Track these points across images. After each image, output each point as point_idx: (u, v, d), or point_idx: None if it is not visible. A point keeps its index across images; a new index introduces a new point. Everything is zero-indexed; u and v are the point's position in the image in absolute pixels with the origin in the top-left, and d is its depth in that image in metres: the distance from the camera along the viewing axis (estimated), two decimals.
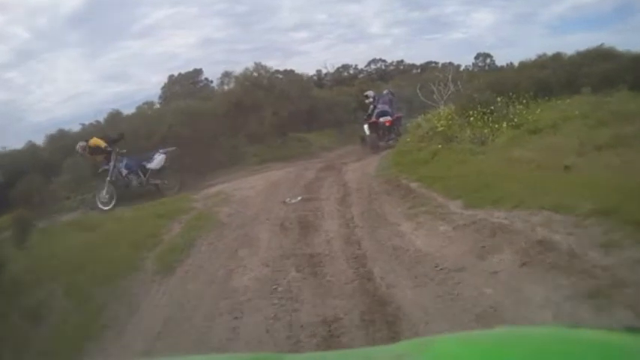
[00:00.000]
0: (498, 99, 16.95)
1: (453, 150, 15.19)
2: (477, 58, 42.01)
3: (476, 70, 38.31)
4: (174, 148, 19.26)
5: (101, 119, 25.63)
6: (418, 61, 43.34)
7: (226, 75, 29.40)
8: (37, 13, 49.04)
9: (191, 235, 11.44)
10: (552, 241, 7.46)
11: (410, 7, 58.15)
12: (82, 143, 18.41)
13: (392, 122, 23.00)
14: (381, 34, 51.09)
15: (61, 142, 22.68)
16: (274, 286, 7.98)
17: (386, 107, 23.34)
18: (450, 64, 31.30)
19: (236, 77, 27.97)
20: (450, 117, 17.51)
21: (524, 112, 16.32)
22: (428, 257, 8.06)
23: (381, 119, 22.90)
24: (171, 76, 36.94)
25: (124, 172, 18.18)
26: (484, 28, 49.93)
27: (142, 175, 18.49)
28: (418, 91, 24.63)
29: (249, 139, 24.97)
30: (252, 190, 16.28)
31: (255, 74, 27.29)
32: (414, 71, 41.53)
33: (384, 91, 24.95)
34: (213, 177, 21.00)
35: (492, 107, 16.51)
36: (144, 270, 9.49)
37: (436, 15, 50.99)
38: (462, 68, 32.93)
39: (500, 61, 38.68)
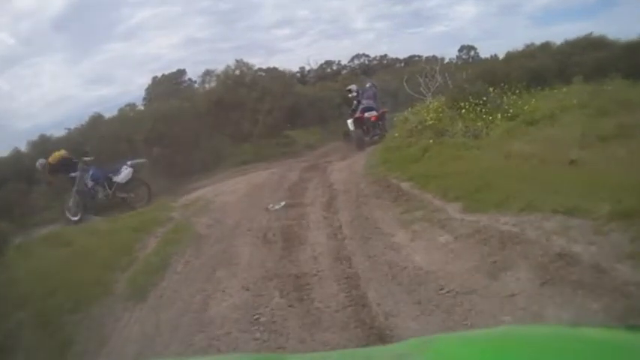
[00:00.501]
0: (490, 89, 16.00)
1: (445, 145, 13.95)
2: (460, 50, 41.18)
3: (460, 62, 37.37)
4: (143, 160, 18.35)
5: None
6: (401, 55, 42.54)
7: (208, 73, 28.70)
8: (21, 18, 47.64)
9: (167, 251, 10.24)
10: (573, 252, 6.37)
11: (393, 1, 57.19)
12: (41, 160, 17.56)
13: (378, 117, 22.05)
14: (364, 29, 50.14)
15: (43, 148, 21.59)
16: (256, 316, 6.90)
17: (371, 102, 22.38)
18: (434, 57, 30.23)
19: (217, 75, 27.21)
20: (439, 110, 16.38)
21: (519, 102, 15.38)
22: (430, 277, 6.94)
23: (367, 114, 21.88)
24: (154, 78, 36.00)
25: (90, 183, 17.15)
26: (467, 21, 49.18)
27: (108, 188, 17.40)
28: (404, 83, 23.47)
29: (232, 139, 24.16)
30: (233, 195, 15.23)
31: (237, 72, 26.54)
32: (398, 65, 40.53)
33: (367, 84, 23.95)
34: (195, 180, 20.19)
35: (485, 98, 15.51)
36: (116, 294, 8.39)
37: (419, 8, 50.12)
38: (445, 61, 31.85)
39: (484, 53, 37.81)
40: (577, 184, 8.42)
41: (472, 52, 41.16)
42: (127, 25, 51.32)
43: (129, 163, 17.53)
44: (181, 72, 36.72)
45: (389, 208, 10.66)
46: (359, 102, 22.59)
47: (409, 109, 19.58)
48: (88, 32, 47.91)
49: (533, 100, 15.35)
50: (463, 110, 15.23)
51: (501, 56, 25.93)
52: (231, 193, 15.57)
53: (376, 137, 21.44)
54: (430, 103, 18.40)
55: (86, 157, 17.31)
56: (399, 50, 60.43)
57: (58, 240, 12.14)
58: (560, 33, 49.97)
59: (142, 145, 21.43)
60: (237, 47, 55.17)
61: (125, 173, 17.30)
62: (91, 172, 17.09)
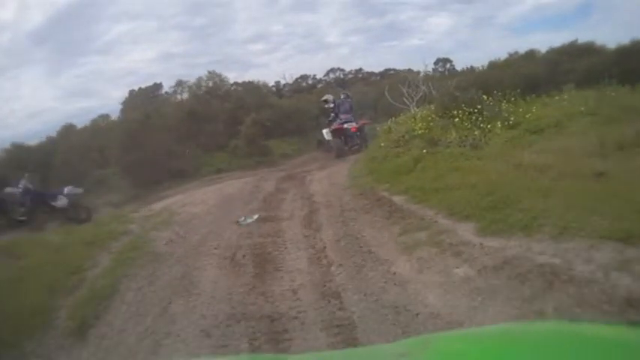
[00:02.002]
0: (484, 97, 14.18)
1: (440, 155, 11.83)
2: (436, 63, 39.50)
3: (437, 75, 35.78)
4: (79, 190, 17.09)
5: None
6: (377, 69, 41.09)
7: (180, 84, 26.69)
8: (1, 30, 46.19)
9: (118, 273, 8.30)
10: None
11: (367, 15, 55.71)
12: None
13: (357, 129, 20.80)
14: (339, 43, 48.31)
15: (16, 155, 22.07)
16: None
17: (349, 117, 21.16)
18: (410, 70, 28.87)
19: (189, 86, 25.59)
20: (429, 118, 14.45)
21: (520, 110, 13.60)
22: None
23: (346, 125, 20.66)
24: (132, 91, 34.28)
25: (29, 204, 15.92)
26: (442, 33, 47.41)
27: (47, 210, 16.31)
28: (386, 92, 21.95)
29: (206, 148, 22.82)
30: (202, 206, 13.26)
31: (210, 83, 25.13)
32: (373, 78, 38.96)
33: (342, 96, 22.65)
34: (165, 188, 18.97)
35: (480, 106, 13.75)
36: (55, 328, 6.70)
37: (393, 21, 48.23)
38: (421, 74, 30.37)
39: (460, 65, 36.17)
40: (615, 201, 6.41)
41: (448, 65, 39.63)
42: (104, 40, 50.20)
43: (65, 192, 16.49)
44: (158, 86, 35.10)
45: (383, 227, 8.50)
46: (336, 115, 21.32)
47: (392, 118, 17.79)
48: (67, 46, 46.30)
49: (534, 107, 13.73)
50: (456, 119, 13.45)
51: (478, 68, 24.66)
52: (200, 204, 13.63)
53: (355, 147, 20.27)
54: (417, 112, 16.56)
55: (22, 180, 16.24)
56: (374, 64, 59.19)
57: (11, 251, 10.54)
58: (536, 43, 48.59)
59: (112, 153, 20.97)
60: (213, 62, 54.13)
61: (62, 202, 16.37)
62: (30, 197, 16.01)
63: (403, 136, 14.33)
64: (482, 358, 1.60)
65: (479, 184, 8.77)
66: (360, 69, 40.77)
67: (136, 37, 47.54)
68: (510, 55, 22.46)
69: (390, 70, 38.57)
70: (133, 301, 7.28)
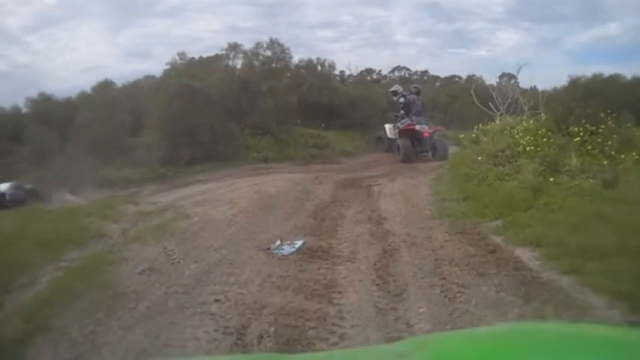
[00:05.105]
0: (602, 115, 10.10)
1: (565, 188, 8.43)
2: (501, 77, 36.65)
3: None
4: (18, 189, 15.21)
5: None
6: (442, 74, 39.87)
7: (233, 48, 22.65)
8: None
9: (43, 317, 5.01)
10: None
11: (437, 19, 55.40)
12: None
13: (430, 134, 18.16)
14: (406, 43, 47.16)
15: (42, 108, 20.34)
16: None
17: (421, 119, 18.62)
18: (478, 78, 27.46)
19: (245, 52, 22.31)
20: (538, 132, 10.65)
21: None
22: None
23: (418, 127, 17.98)
24: (181, 53, 31.16)
25: None
26: (508, 48, 45.29)
27: None
28: (472, 92, 20.11)
29: (254, 130, 19.20)
30: (227, 209, 9.59)
31: (269, 52, 21.56)
32: (437, 84, 38.28)
33: (412, 89, 20.02)
34: (197, 172, 16.24)
35: (603, 126, 9.84)
36: None
37: (462, 29, 47.17)
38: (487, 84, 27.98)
39: (523, 83, 33.61)
40: None
41: (512, 81, 36.77)
42: (169, 4, 49.33)
43: (7, 198, 14.67)
44: (219, 57, 31.96)
45: (523, 320, 4.37)
46: (407, 113, 18.63)
47: (479, 126, 14.34)
48: (130, 4, 45.28)
49: None
50: (576, 139, 9.67)
51: (540, 88, 21.73)
52: (227, 204, 10.01)
53: (424, 154, 17.86)
54: (523, 121, 12.55)
55: None
56: (438, 69, 57.59)
57: None
58: (597, 72, 45.77)
59: (148, 120, 18.10)
60: None
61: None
62: None
63: (503, 151, 10.68)
64: (481, 359, 1.48)
65: None
66: (426, 71, 39.61)
67: (203, 6, 45.80)
68: (595, 75, 19.14)
69: (455, 76, 37.87)
70: None
